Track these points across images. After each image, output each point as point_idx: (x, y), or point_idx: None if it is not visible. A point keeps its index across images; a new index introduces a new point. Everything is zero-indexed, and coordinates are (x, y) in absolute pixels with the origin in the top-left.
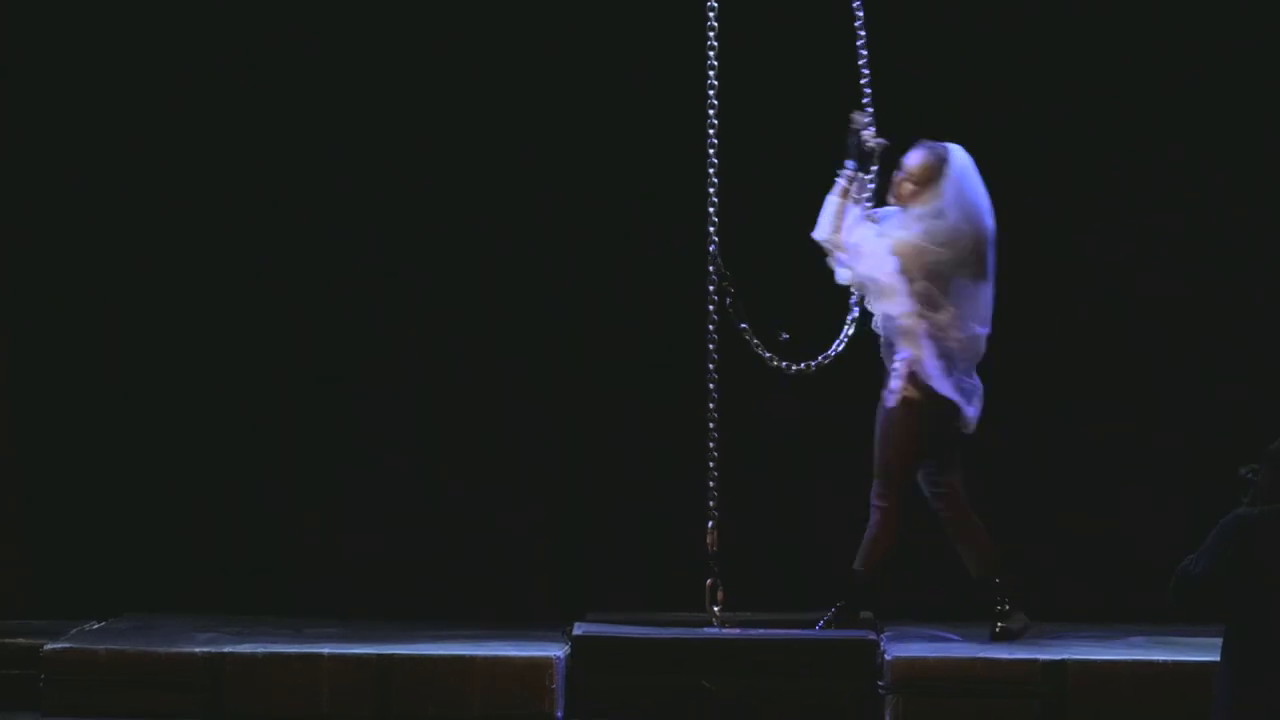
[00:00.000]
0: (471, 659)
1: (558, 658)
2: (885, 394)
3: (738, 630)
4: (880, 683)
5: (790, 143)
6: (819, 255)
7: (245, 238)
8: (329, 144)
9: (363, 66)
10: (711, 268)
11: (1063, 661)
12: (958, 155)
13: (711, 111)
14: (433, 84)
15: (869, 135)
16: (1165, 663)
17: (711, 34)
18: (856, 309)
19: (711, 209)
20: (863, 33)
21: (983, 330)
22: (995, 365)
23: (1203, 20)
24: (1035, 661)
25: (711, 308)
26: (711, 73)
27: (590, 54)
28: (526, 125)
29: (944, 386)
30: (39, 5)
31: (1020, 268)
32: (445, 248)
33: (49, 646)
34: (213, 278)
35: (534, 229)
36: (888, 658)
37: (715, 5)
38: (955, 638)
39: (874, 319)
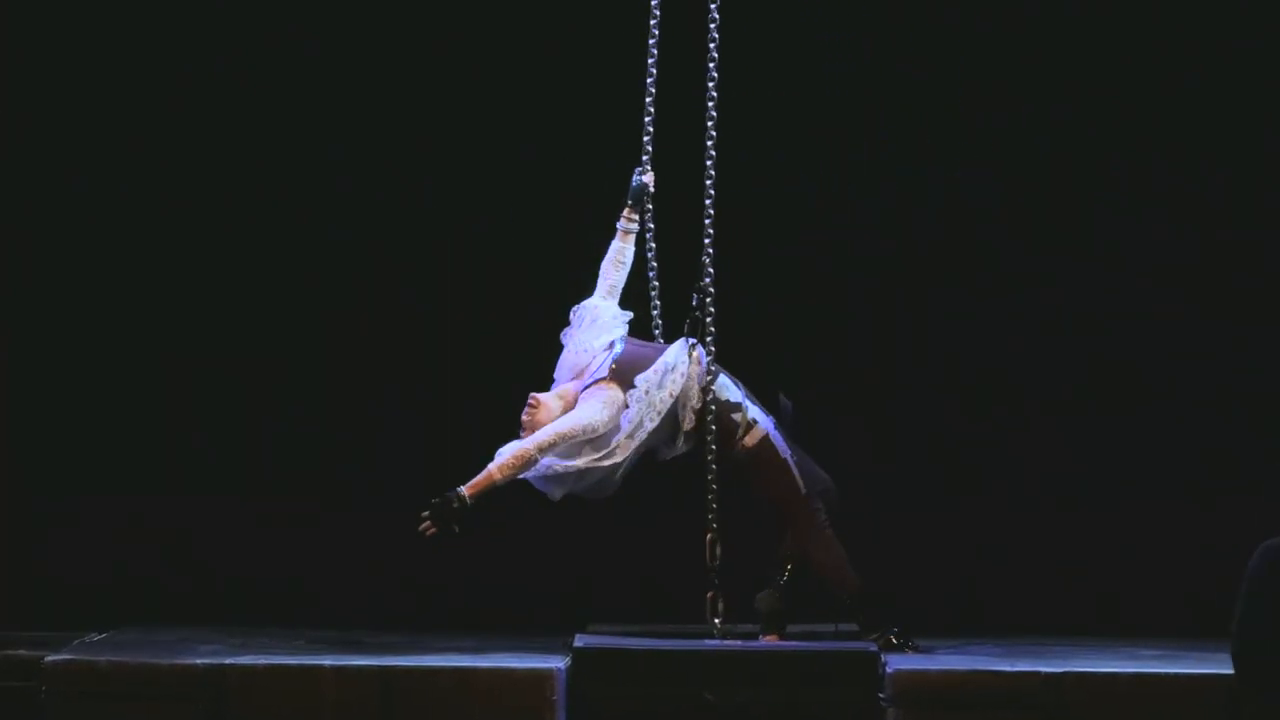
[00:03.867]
0: (473, 670)
1: (559, 669)
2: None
3: (739, 642)
4: (881, 694)
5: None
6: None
7: (245, 238)
8: (329, 144)
9: (363, 66)
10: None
11: (1063, 674)
12: None
13: (710, 123)
14: (433, 84)
15: (638, 172)
16: (1166, 675)
17: (712, 45)
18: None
19: (708, 220)
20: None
21: None
22: (994, 368)
23: (1203, 20)
24: (1036, 674)
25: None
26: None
27: (590, 54)
28: (526, 125)
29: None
30: (39, 5)
31: (1020, 268)
32: (445, 249)
33: (50, 658)
34: (213, 278)
35: (532, 231)
36: (889, 670)
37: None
38: (955, 650)
39: None
